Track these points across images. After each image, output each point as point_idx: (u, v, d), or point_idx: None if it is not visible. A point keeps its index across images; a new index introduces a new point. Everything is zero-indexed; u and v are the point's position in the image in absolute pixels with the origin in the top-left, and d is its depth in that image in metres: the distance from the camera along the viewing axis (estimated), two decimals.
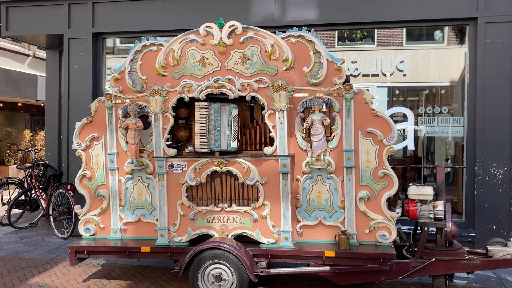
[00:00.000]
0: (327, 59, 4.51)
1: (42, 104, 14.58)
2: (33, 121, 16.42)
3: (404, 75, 6.87)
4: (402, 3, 6.03)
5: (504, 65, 5.73)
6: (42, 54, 13.47)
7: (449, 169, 6.57)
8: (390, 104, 6.90)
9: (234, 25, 4.57)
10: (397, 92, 7.17)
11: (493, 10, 5.73)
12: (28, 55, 13.87)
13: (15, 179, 8.07)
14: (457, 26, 6.32)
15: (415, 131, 6.45)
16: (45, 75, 8.44)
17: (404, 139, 6.53)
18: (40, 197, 7.45)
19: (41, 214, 7.48)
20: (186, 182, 4.62)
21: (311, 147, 4.53)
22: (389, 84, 6.97)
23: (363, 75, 6.94)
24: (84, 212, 5.09)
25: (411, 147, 6.50)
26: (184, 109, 4.90)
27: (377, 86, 7.05)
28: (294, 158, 4.59)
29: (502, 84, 5.73)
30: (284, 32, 4.60)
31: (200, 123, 4.63)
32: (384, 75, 6.83)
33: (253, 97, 4.57)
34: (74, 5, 7.03)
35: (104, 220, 5.05)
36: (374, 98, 4.66)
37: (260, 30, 4.55)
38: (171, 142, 5.03)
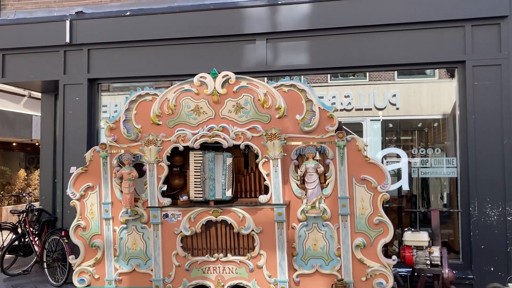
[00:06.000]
0: (319, 107, 4.58)
1: (37, 144, 14.57)
2: (28, 159, 16.38)
3: (397, 108, 6.96)
4: (392, 47, 6.16)
5: (493, 106, 5.81)
6: (37, 94, 13.55)
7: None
8: (383, 136, 6.97)
9: (228, 75, 4.66)
10: (391, 125, 7.23)
11: (480, 53, 5.86)
12: (23, 95, 13.94)
13: (8, 224, 7.98)
14: (446, 68, 6.45)
15: (409, 171, 6.49)
16: (40, 114, 8.48)
17: (398, 180, 6.56)
18: (33, 243, 7.36)
19: (34, 260, 7.36)
20: (181, 232, 4.60)
21: (306, 194, 4.55)
22: (382, 118, 7.05)
23: (356, 109, 7.03)
24: (79, 262, 5.04)
25: (406, 187, 6.52)
26: (178, 157, 4.93)
27: (371, 120, 7.13)
28: (289, 206, 4.59)
29: (492, 125, 5.81)
30: (277, 76, 4.69)
31: (195, 172, 4.65)
32: (377, 109, 6.91)
33: (247, 145, 4.62)
34: (69, 51, 7.13)
35: (98, 271, 4.99)
36: (367, 146, 4.71)
37: (253, 80, 4.64)
38: (165, 189, 5.03)
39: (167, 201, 4.67)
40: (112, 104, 7.51)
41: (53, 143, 7.96)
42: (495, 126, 5.81)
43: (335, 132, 4.54)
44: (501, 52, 5.78)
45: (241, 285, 4.51)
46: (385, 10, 6.09)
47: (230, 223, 4.52)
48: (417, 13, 6.01)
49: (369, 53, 6.23)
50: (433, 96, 6.95)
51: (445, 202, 6.64)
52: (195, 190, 4.62)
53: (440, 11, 5.94)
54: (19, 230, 7.72)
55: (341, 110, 6.92)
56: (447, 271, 4.42)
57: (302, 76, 6.14)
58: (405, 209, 6.54)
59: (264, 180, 4.54)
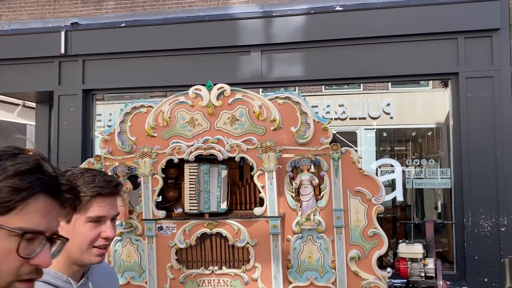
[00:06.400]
0: (313, 120, 4.59)
1: (30, 153, 14.49)
2: None
3: (391, 118, 7.01)
4: (386, 59, 6.22)
5: (486, 118, 5.88)
6: (31, 103, 13.51)
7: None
8: (378, 146, 7.01)
9: (223, 87, 4.67)
10: (385, 134, 7.28)
11: (473, 65, 5.93)
12: (17, 105, 13.87)
13: None
14: (439, 80, 6.52)
15: (403, 182, 6.52)
16: (34, 123, 8.46)
17: (392, 190, 6.58)
18: None
19: None
20: (176, 244, 4.58)
21: (300, 207, 4.55)
22: (377, 127, 7.09)
23: (351, 118, 7.07)
24: None
25: (400, 198, 6.55)
26: (173, 170, 4.91)
27: (365, 129, 7.17)
28: (284, 218, 4.59)
29: (485, 136, 5.86)
30: (271, 88, 4.71)
31: (190, 184, 4.64)
32: (371, 118, 6.96)
33: (242, 157, 4.62)
34: (64, 62, 7.14)
35: None
36: (361, 158, 4.72)
37: (248, 92, 4.65)
38: (160, 200, 5.02)
39: (161, 213, 4.65)
40: (107, 113, 7.52)
41: (47, 153, 7.94)
42: (488, 137, 5.87)
43: (330, 144, 4.55)
44: (493, 64, 5.86)
45: None
46: (379, 23, 6.16)
47: (225, 236, 4.51)
48: (411, 26, 6.08)
49: (363, 65, 6.28)
50: (426, 106, 7.03)
51: (439, 211, 6.68)
52: (190, 203, 4.61)
53: (433, 24, 6.01)
54: None
55: (335, 119, 6.98)
56: (441, 283, 4.43)
57: (296, 88, 6.18)
58: (399, 220, 6.56)
59: (259, 192, 4.54)
